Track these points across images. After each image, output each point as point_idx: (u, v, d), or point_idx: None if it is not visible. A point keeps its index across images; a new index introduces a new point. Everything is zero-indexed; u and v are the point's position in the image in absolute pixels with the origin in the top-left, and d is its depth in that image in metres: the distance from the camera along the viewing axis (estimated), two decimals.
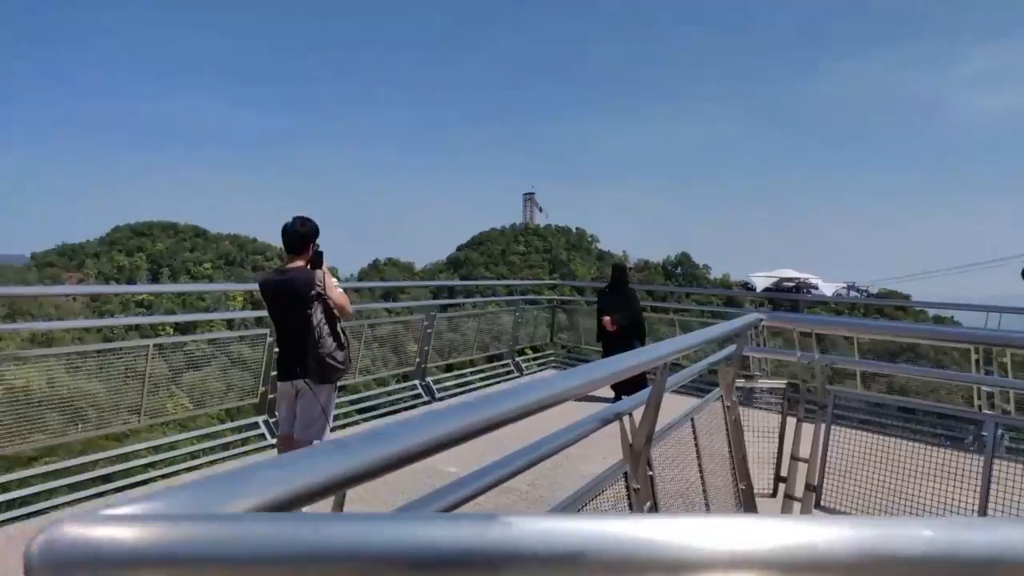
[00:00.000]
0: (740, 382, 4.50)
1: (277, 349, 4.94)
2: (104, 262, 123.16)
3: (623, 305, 8.63)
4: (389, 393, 8.44)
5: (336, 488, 1.03)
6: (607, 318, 8.57)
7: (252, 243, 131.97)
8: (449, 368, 9.76)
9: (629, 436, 2.68)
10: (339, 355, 4.63)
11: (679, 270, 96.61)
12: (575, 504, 2.28)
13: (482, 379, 9.94)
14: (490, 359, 10.63)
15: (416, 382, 8.73)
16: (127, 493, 5.22)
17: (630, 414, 2.73)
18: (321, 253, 4.80)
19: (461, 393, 9.21)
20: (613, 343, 8.68)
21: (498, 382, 10.04)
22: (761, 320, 4.37)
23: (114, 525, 0.66)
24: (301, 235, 4.70)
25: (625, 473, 2.61)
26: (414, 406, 8.39)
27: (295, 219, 4.74)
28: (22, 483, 4.96)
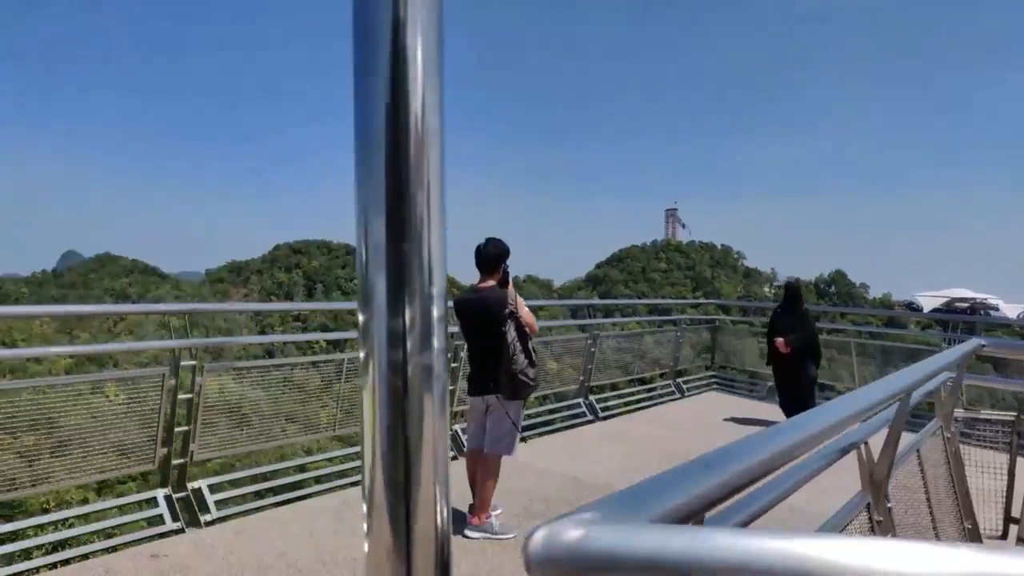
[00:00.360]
0: (958, 412, 4.18)
1: (469, 365, 5.14)
2: (266, 278, 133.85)
3: (797, 326, 8.25)
4: (557, 411, 8.54)
5: (712, 504, 1.09)
6: (779, 339, 8.22)
7: None
8: (592, 389, 9.66)
9: (868, 466, 2.57)
10: (531, 372, 4.77)
11: (833, 289, 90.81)
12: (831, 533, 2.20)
13: (644, 399, 9.83)
14: (643, 380, 10.47)
15: (580, 400, 8.78)
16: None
17: (866, 443, 2.62)
18: (509, 273, 4.99)
19: (625, 413, 9.16)
20: (786, 365, 8.32)
21: (661, 403, 9.89)
22: (983, 346, 4.04)
23: (592, 529, 0.76)
24: (494, 256, 4.90)
25: (868, 504, 2.50)
26: (578, 425, 8.44)
27: (488, 240, 4.95)
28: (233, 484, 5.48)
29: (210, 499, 5.11)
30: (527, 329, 4.83)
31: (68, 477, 4.68)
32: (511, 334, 4.72)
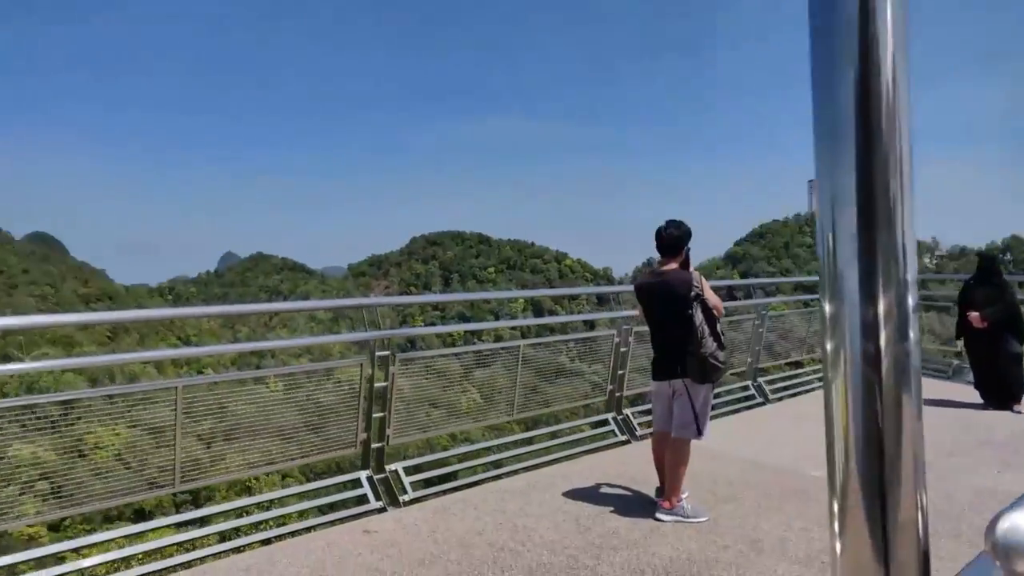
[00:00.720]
0: None
1: (652, 349, 5.09)
2: (404, 270, 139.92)
3: (996, 298, 7.54)
4: (726, 393, 8.31)
5: None
6: (974, 314, 7.55)
7: (530, 247, 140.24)
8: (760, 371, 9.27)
9: None
10: (720, 355, 4.66)
11: (1008, 256, 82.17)
12: None
13: (815, 381, 9.36)
14: (809, 362, 9.97)
15: (748, 383, 8.49)
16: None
17: None
18: (691, 255, 4.90)
19: (796, 395, 8.77)
20: (982, 342, 7.64)
21: None
22: None
23: None
24: (675, 238, 4.81)
25: None
26: (749, 407, 8.18)
27: (668, 223, 4.87)
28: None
29: (406, 480, 5.39)
30: (714, 312, 4.71)
31: (288, 459, 5.10)
32: (698, 317, 4.62)
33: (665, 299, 4.76)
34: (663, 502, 4.74)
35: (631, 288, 7.58)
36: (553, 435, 6.69)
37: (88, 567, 4.36)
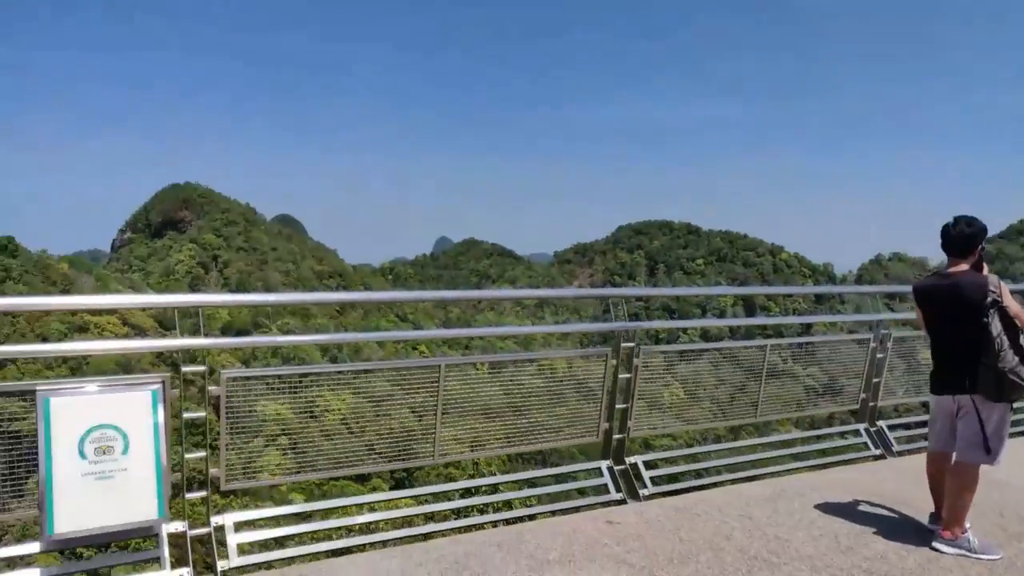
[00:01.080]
0: None
1: (933, 359, 4.57)
2: (609, 259, 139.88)
3: None
4: None
5: None
6: None
7: (742, 239, 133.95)
8: None
9: None
10: (1022, 371, 4.07)
11: None
12: None
13: None
14: None
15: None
16: None
17: None
18: (984, 256, 4.35)
19: None
20: None
21: None
22: None
23: None
24: (967, 236, 4.29)
25: None
26: None
27: (958, 219, 4.35)
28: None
29: (645, 474, 5.36)
30: (1016, 321, 4.13)
31: (529, 443, 5.25)
32: (996, 326, 4.07)
33: (954, 304, 4.25)
34: (943, 531, 4.25)
35: (856, 289, 6.96)
36: (795, 441, 6.31)
37: (348, 525, 4.81)
